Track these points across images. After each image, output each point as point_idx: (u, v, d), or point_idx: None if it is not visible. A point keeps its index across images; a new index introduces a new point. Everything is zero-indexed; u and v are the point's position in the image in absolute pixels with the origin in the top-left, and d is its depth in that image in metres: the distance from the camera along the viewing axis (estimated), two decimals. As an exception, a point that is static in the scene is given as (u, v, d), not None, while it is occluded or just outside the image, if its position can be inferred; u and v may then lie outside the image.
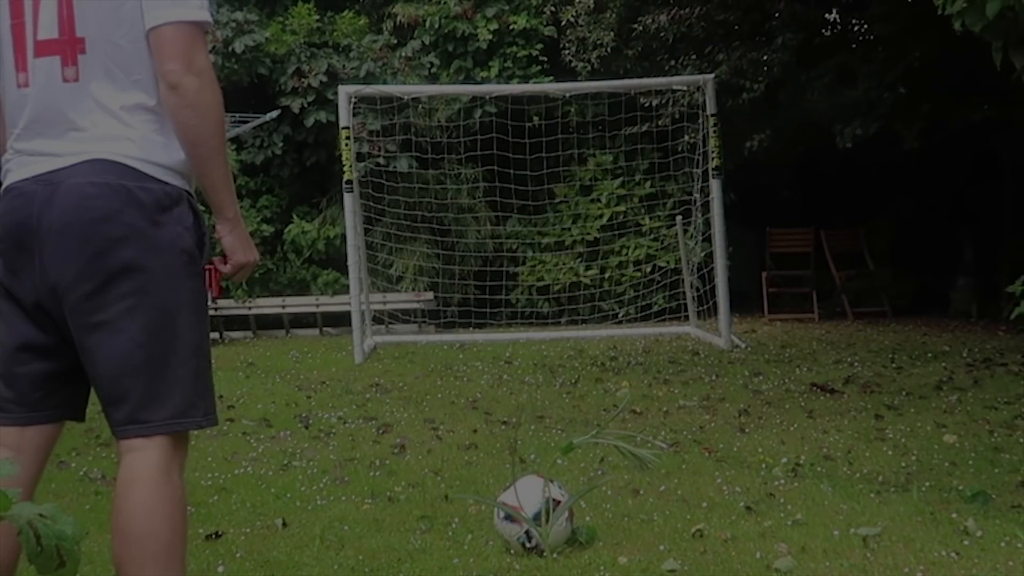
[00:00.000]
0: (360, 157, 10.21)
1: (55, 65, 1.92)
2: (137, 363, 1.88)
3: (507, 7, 11.44)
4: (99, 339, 1.88)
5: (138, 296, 1.87)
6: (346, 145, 8.58)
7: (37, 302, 1.91)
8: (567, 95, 10.44)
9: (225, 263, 2.09)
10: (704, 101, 8.93)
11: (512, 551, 2.99)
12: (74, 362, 1.95)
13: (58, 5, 1.92)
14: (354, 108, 9.22)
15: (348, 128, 8.63)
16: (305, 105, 11.09)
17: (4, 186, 1.96)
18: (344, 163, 8.63)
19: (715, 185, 8.75)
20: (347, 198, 8.61)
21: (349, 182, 8.57)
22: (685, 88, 9.60)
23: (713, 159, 8.73)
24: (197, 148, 1.96)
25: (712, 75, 9.10)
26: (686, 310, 9.95)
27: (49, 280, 1.88)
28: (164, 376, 1.90)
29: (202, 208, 2.07)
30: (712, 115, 8.73)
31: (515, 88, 10.26)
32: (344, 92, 8.70)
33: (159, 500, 1.88)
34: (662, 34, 10.12)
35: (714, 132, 8.69)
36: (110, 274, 1.86)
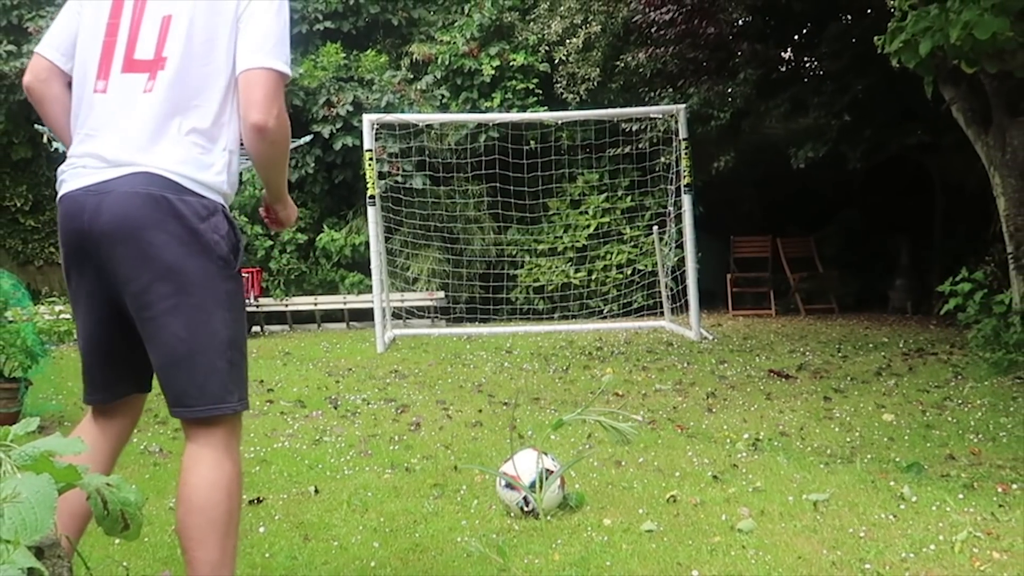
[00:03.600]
0: (381, 176, 10.20)
1: (140, 81, 1.89)
2: (180, 355, 1.88)
3: (508, 46, 11.43)
4: (150, 333, 1.88)
5: (179, 296, 1.85)
6: (369, 165, 8.58)
7: (108, 297, 1.90)
8: (559, 122, 10.44)
9: (276, 225, 2.19)
10: (677, 127, 8.92)
11: (512, 514, 2.99)
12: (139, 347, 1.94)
13: (160, 29, 1.90)
14: (376, 133, 9.22)
15: (371, 151, 8.63)
16: (334, 131, 11.07)
17: (60, 195, 1.93)
18: (368, 181, 8.62)
19: (687, 199, 8.74)
20: (370, 211, 8.60)
21: (372, 197, 8.57)
22: (661, 116, 9.61)
23: (685, 177, 8.71)
24: (270, 171, 2.01)
25: (684, 105, 9.10)
26: (662, 307, 9.94)
27: (108, 279, 1.88)
28: (203, 367, 1.89)
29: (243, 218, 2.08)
30: (684, 139, 8.72)
31: (514, 116, 10.26)
32: (367, 120, 8.70)
33: (219, 475, 1.88)
34: (641, 70, 10.13)
35: (686, 154, 8.68)
36: (153, 276, 1.84)
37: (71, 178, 1.91)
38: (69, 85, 2.00)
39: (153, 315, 1.86)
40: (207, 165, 1.89)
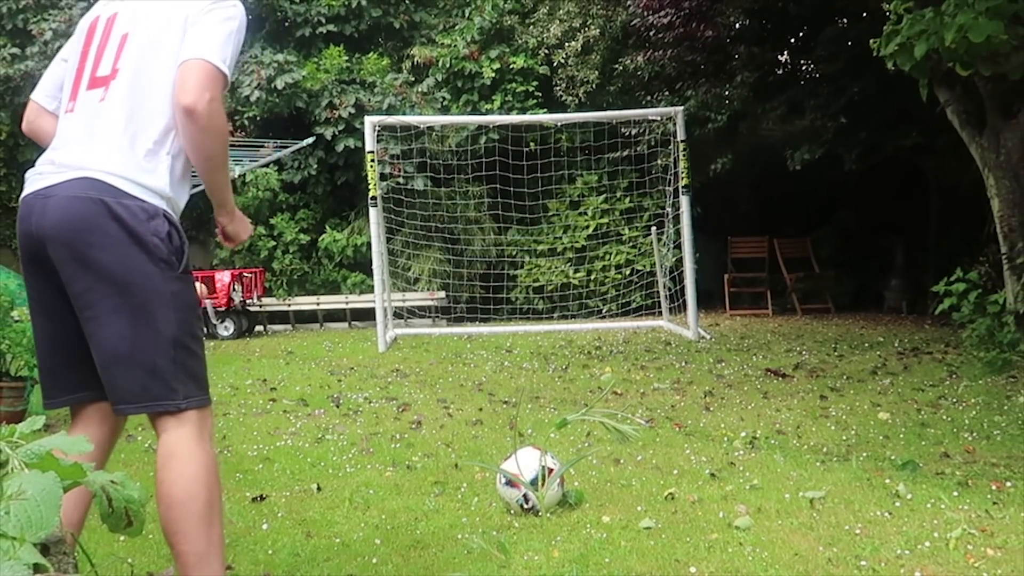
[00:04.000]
0: (383, 177, 10.20)
1: (97, 94, 1.97)
2: (121, 354, 1.87)
3: (508, 49, 11.43)
4: (91, 332, 1.89)
5: (119, 297, 1.86)
6: (371, 167, 8.58)
7: (62, 297, 1.93)
8: (559, 124, 10.45)
9: (227, 241, 2.19)
10: (675, 130, 8.92)
11: (512, 512, 2.99)
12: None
13: (118, 47, 1.98)
14: (377, 136, 9.22)
15: (373, 152, 8.63)
16: (336, 133, 11.07)
17: (21, 197, 1.99)
18: (370, 182, 8.62)
19: (684, 201, 8.74)
20: (372, 212, 8.59)
21: (374, 198, 8.56)
22: (659, 119, 9.62)
23: (683, 179, 8.71)
24: (207, 162, 1.97)
25: (682, 108, 9.10)
26: (660, 307, 9.94)
27: (58, 279, 1.91)
28: (144, 366, 1.87)
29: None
30: (682, 141, 8.72)
31: (515, 118, 10.25)
32: (369, 122, 8.70)
33: (194, 468, 1.88)
34: (639, 73, 10.13)
35: (684, 156, 8.68)
36: (94, 277, 1.86)
37: (28, 183, 1.97)
38: (50, 114, 2.11)
39: (94, 315, 1.87)
40: (149, 170, 1.91)
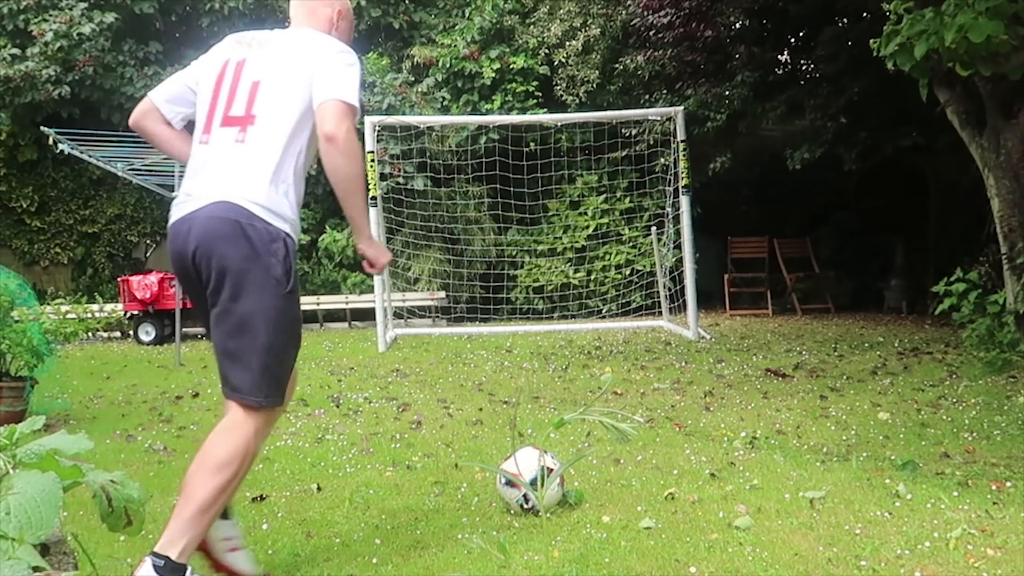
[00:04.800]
0: (383, 177, 10.20)
1: (233, 133, 2.33)
2: (228, 349, 2.27)
3: (508, 49, 11.43)
4: (213, 325, 2.29)
5: (235, 301, 2.23)
6: (371, 167, 8.57)
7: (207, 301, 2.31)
8: (559, 124, 10.44)
9: (371, 267, 2.51)
10: (675, 129, 8.92)
11: (512, 512, 2.99)
12: None
13: (249, 92, 2.35)
14: (377, 136, 9.22)
15: (373, 152, 8.62)
16: (336, 133, 11.07)
17: (171, 222, 2.35)
18: (369, 182, 8.61)
19: (684, 201, 8.74)
20: (372, 212, 8.58)
21: (374, 198, 8.55)
22: (659, 118, 9.61)
23: (683, 178, 8.72)
24: (343, 184, 2.30)
25: (682, 108, 9.10)
26: (660, 307, 9.94)
27: (198, 285, 2.31)
28: (241, 362, 2.25)
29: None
30: (682, 141, 8.72)
31: (515, 118, 10.24)
32: (370, 121, 8.69)
33: (227, 439, 2.22)
34: (639, 72, 10.13)
35: (683, 156, 8.68)
36: (219, 280, 2.24)
37: (174, 212, 2.36)
38: (166, 125, 2.50)
39: (218, 312, 2.26)
40: (277, 200, 2.28)
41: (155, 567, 2.04)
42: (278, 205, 2.27)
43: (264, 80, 2.35)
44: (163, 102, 2.49)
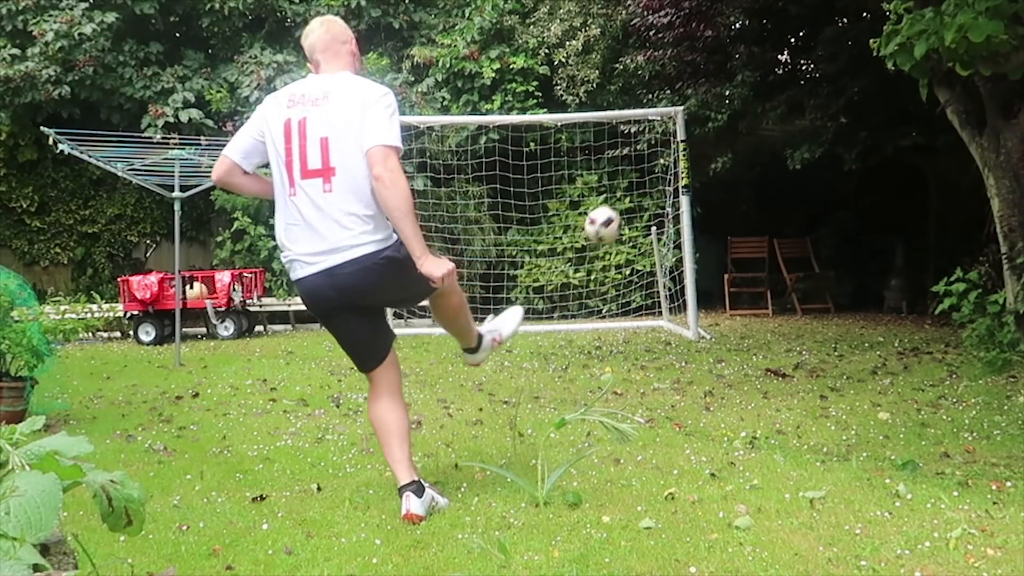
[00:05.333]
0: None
1: (318, 184, 2.85)
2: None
3: (508, 49, 11.43)
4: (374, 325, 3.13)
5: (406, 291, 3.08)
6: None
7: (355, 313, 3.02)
8: (559, 124, 10.44)
9: (433, 282, 2.86)
10: (675, 129, 8.92)
11: (512, 512, 2.99)
12: None
13: (320, 147, 2.84)
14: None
15: None
16: (336, 133, 11.07)
17: (299, 278, 2.94)
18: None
19: (684, 200, 8.75)
20: None
21: None
22: (659, 118, 9.61)
23: (683, 178, 8.72)
24: (392, 212, 2.81)
25: (682, 107, 9.10)
26: (660, 307, 9.94)
27: (356, 305, 2.98)
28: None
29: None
30: (682, 141, 8.72)
31: (516, 119, 10.24)
32: None
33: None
34: (640, 72, 10.13)
35: (683, 155, 8.68)
36: (381, 289, 2.97)
37: (300, 269, 2.93)
38: (244, 173, 3.06)
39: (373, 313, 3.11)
40: (372, 234, 2.87)
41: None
42: (377, 235, 2.88)
43: (332, 136, 2.84)
44: (240, 158, 3.03)
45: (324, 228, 2.84)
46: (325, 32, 3.02)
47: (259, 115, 3.00)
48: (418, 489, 2.94)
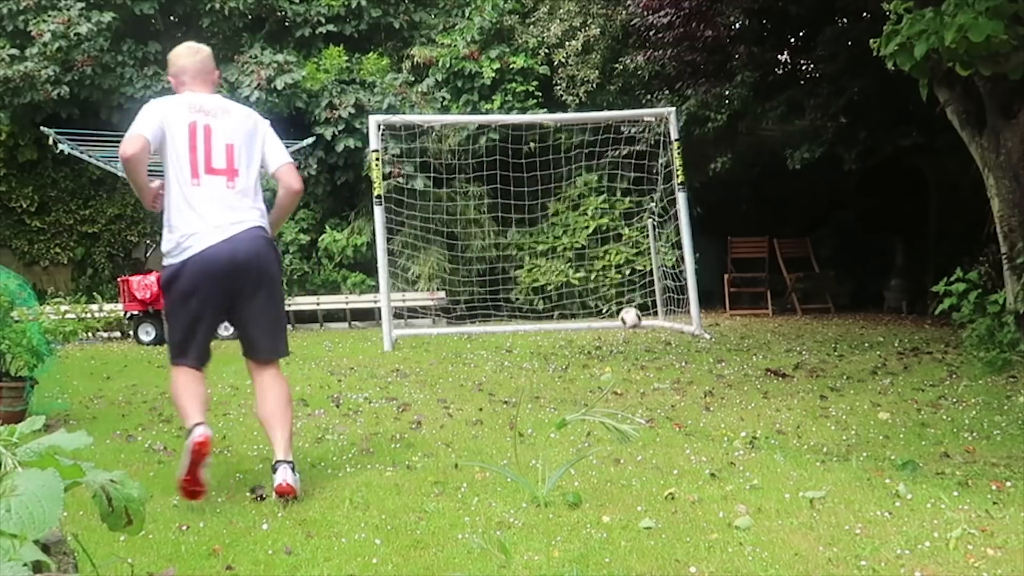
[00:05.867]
0: (383, 177, 10.20)
1: (222, 180, 3.30)
2: (276, 326, 3.50)
3: (508, 49, 11.44)
4: (254, 311, 3.40)
5: (274, 296, 3.46)
6: (376, 166, 8.53)
7: (230, 306, 3.37)
8: (558, 124, 10.45)
9: None
10: (668, 129, 8.92)
11: (512, 511, 2.99)
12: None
13: (226, 152, 3.31)
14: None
15: (378, 151, 8.56)
16: (336, 133, 11.08)
17: (201, 249, 3.21)
18: (374, 181, 8.56)
19: (681, 197, 8.75)
20: (377, 211, 8.50)
21: (379, 197, 8.48)
22: (653, 119, 9.59)
23: (678, 176, 8.73)
24: (286, 213, 3.60)
25: (674, 108, 9.10)
26: (658, 306, 9.94)
27: (244, 289, 3.31)
28: (282, 332, 3.52)
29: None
30: (676, 140, 8.72)
31: (517, 118, 10.24)
32: (374, 121, 8.61)
33: (286, 386, 3.46)
34: (639, 72, 10.14)
35: (678, 154, 8.69)
36: (262, 281, 3.35)
37: (201, 241, 3.22)
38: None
39: (262, 302, 3.38)
40: (264, 212, 3.41)
41: (292, 468, 3.23)
42: (265, 215, 3.41)
43: (235, 144, 3.34)
44: (151, 137, 3.22)
45: (224, 213, 3.26)
46: (200, 61, 3.49)
47: (157, 111, 3.28)
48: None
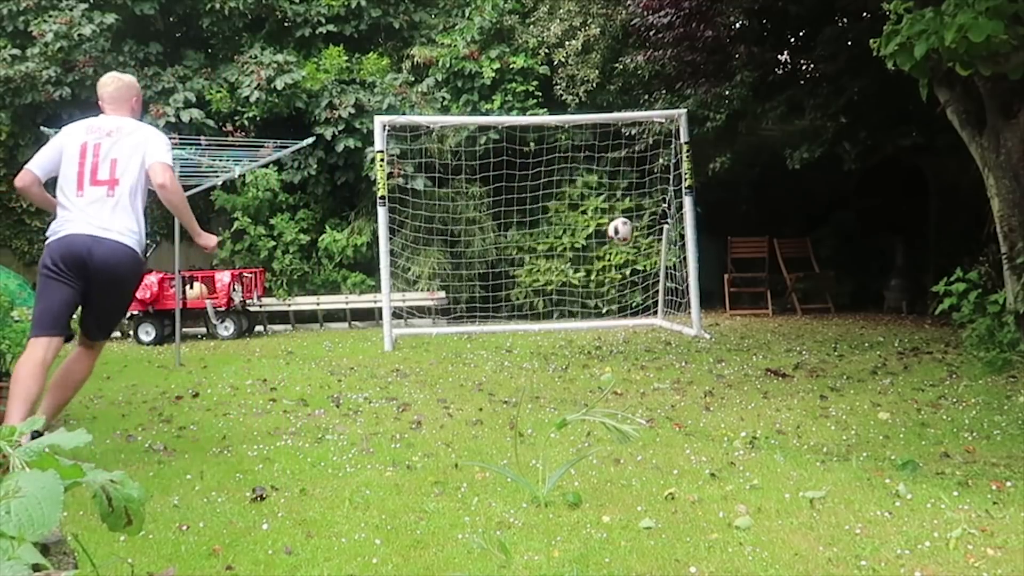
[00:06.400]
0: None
1: (103, 190, 3.79)
2: (112, 318, 4.02)
3: (508, 49, 11.43)
4: (96, 303, 3.83)
5: (120, 293, 3.92)
6: (380, 167, 8.50)
7: (84, 289, 3.74)
8: (566, 125, 10.44)
9: (207, 249, 4.22)
10: (678, 131, 8.92)
11: (512, 511, 2.98)
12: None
13: (110, 166, 3.81)
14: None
15: (382, 152, 8.53)
16: (336, 133, 11.07)
17: (67, 233, 3.72)
18: (378, 182, 8.54)
19: (688, 201, 8.75)
20: (380, 211, 8.47)
21: (383, 197, 8.45)
22: (663, 120, 9.59)
23: (686, 179, 8.72)
24: (175, 209, 3.99)
25: (685, 110, 9.10)
26: (660, 306, 9.94)
27: (92, 281, 3.73)
28: (113, 323, 4.03)
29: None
30: (686, 142, 8.72)
31: (519, 120, 10.19)
32: (379, 121, 8.58)
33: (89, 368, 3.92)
34: (639, 72, 10.13)
35: (687, 157, 8.69)
36: (112, 280, 3.78)
37: (71, 227, 3.73)
38: (42, 185, 3.90)
39: (110, 299, 3.87)
40: (135, 228, 3.84)
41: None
42: (137, 230, 3.84)
43: (119, 158, 3.84)
44: (41, 172, 3.88)
45: (97, 218, 3.74)
46: (115, 90, 4.11)
47: (59, 138, 3.96)
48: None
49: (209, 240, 4.08)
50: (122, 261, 3.73)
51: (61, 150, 3.87)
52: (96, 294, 3.75)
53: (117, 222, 3.74)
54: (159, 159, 3.84)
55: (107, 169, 3.79)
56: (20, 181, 3.87)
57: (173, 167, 3.90)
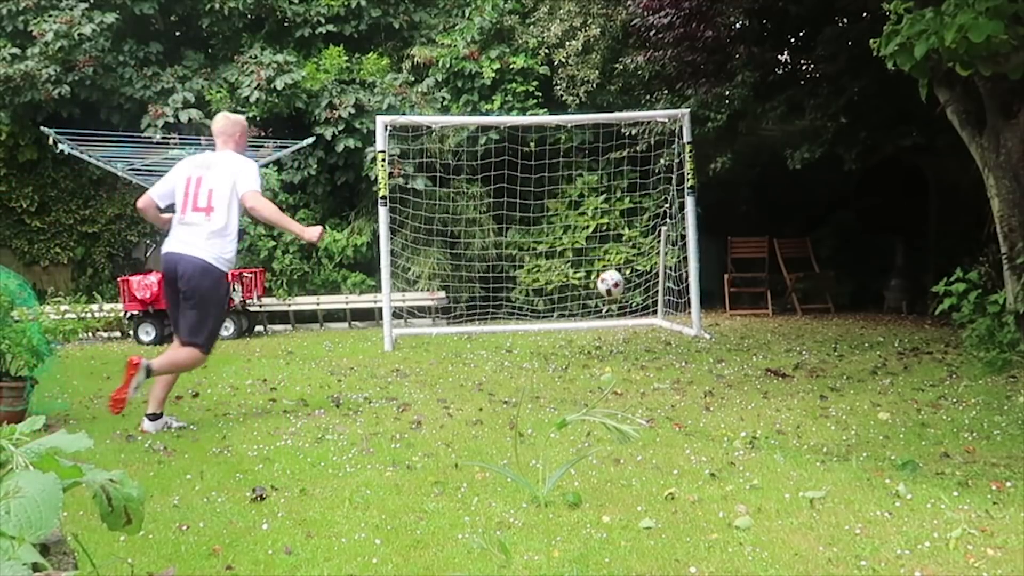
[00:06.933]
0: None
1: (201, 215, 4.66)
2: (194, 324, 4.71)
3: (508, 49, 11.43)
4: (183, 311, 4.72)
5: (198, 302, 4.69)
6: (382, 167, 8.48)
7: (180, 297, 4.65)
8: (569, 125, 10.43)
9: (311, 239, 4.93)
10: (680, 131, 8.92)
11: (512, 511, 2.98)
12: None
13: (208, 195, 4.66)
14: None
15: (384, 152, 8.50)
16: (336, 133, 11.07)
17: (165, 251, 4.74)
18: (380, 182, 8.52)
19: (690, 201, 8.75)
20: (381, 211, 8.44)
21: (384, 198, 8.43)
22: (666, 120, 9.58)
23: (689, 179, 8.72)
24: (269, 223, 5.11)
25: (688, 110, 9.09)
26: (659, 306, 9.94)
27: (179, 290, 4.63)
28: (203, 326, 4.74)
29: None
30: (688, 143, 8.72)
31: (520, 120, 10.18)
32: (380, 121, 8.55)
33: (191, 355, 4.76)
34: (639, 72, 10.13)
35: (689, 157, 8.69)
36: (192, 293, 4.62)
37: (167, 246, 4.71)
38: (159, 209, 4.83)
39: (189, 307, 4.67)
40: (217, 254, 4.66)
41: (151, 419, 4.61)
42: (217, 258, 4.64)
43: (215, 189, 4.67)
44: (159, 199, 4.80)
45: (189, 237, 4.63)
46: (222, 127, 4.85)
47: (172, 171, 4.86)
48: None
49: (313, 233, 4.81)
50: (199, 274, 4.56)
51: (174, 182, 4.75)
52: (182, 301, 4.61)
53: (204, 242, 4.58)
54: (248, 188, 4.66)
55: (205, 198, 4.64)
56: (141, 203, 4.82)
57: (259, 190, 4.73)
